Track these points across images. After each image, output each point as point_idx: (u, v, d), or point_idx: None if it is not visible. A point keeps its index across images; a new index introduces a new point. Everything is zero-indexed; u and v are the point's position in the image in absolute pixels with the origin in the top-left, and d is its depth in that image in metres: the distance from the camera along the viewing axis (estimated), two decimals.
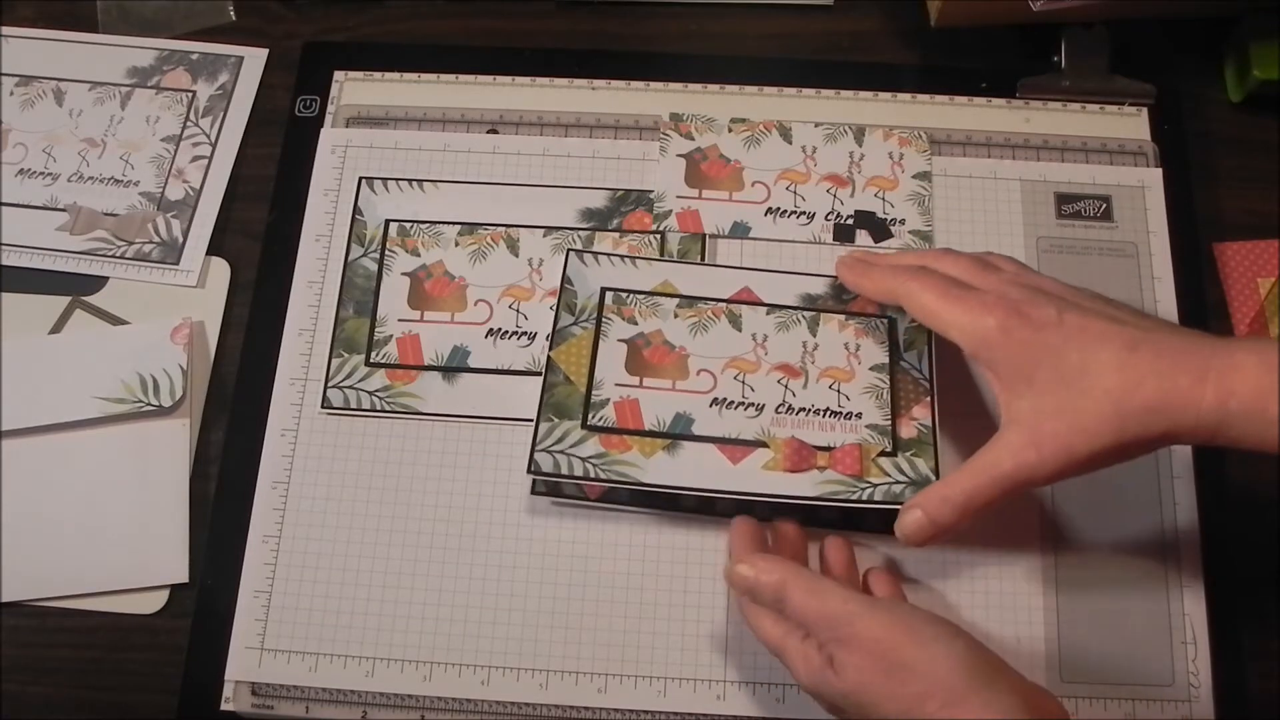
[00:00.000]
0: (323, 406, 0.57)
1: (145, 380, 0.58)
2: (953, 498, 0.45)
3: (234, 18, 0.68)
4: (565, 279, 0.57)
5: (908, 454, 0.53)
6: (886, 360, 0.55)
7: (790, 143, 0.62)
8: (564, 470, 0.53)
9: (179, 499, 0.57)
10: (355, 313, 0.59)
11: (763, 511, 0.53)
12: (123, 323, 0.60)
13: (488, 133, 0.64)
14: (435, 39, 0.67)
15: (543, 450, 0.53)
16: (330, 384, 0.58)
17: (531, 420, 0.56)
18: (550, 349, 0.55)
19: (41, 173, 0.64)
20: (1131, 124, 0.63)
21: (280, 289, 0.60)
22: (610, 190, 0.61)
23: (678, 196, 0.61)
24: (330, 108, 0.64)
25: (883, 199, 0.61)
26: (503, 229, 0.61)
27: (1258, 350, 0.41)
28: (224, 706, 0.53)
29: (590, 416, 0.54)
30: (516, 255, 0.60)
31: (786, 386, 0.55)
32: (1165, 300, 0.58)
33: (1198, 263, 0.60)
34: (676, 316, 0.56)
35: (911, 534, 0.47)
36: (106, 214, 0.63)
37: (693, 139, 0.62)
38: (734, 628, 0.53)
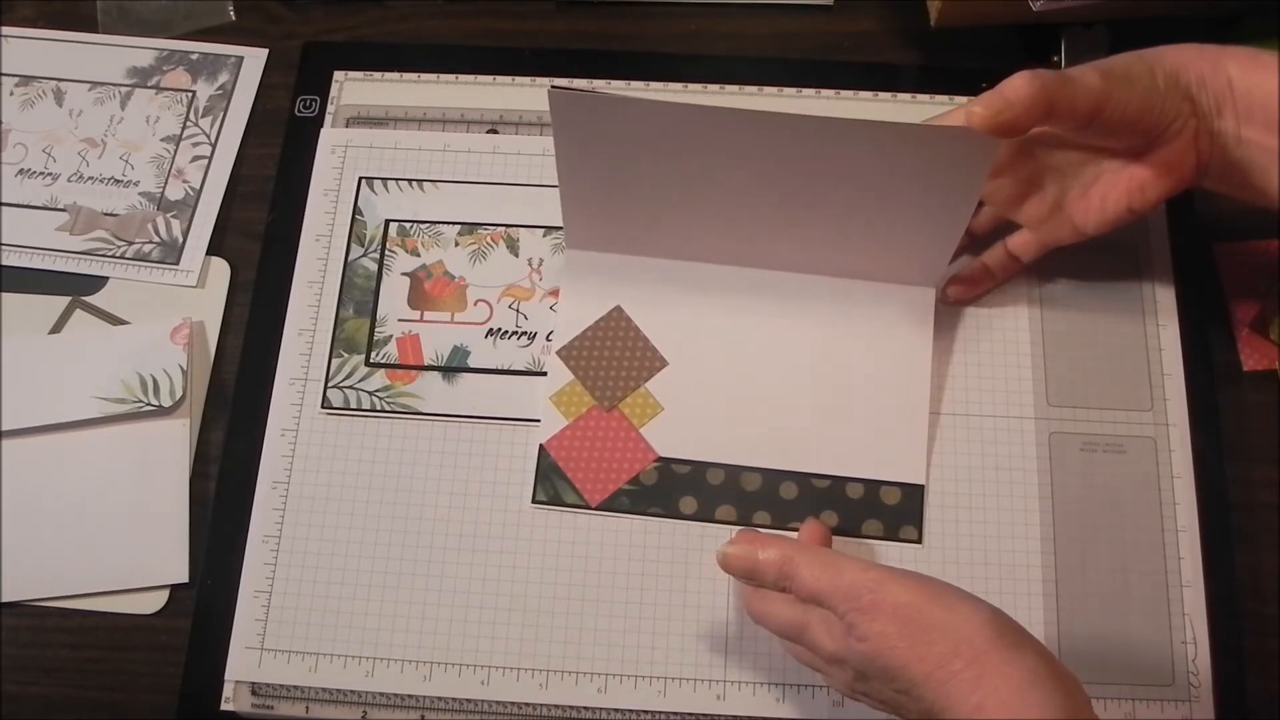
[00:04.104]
0: (323, 406, 0.57)
1: (145, 380, 0.58)
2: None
3: (234, 18, 0.68)
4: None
5: None
6: None
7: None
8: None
9: (179, 499, 0.57)
10: (355, 313, 0.59)
11: None
12: (123, 323, 0.60)
13: (488, 133, 0.64)
14: (435, 39, 0.67)
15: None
16: (330, 384, 0.58)
17: (533, 420, 0.56)
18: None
19: (41, 173, 0.64)
20: None
21: (280, 289, 0.60)
22: None
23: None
24: (330, 108, 0.64)
25: None
26: (503, 229, 0.61)
27: None
28: (224, 706, 0.53)
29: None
30: (516, 255, 0.60)
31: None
32: (1165, 300, 0.58)
33: (1198, 263, 0.60)
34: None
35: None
36: (106, 214, 0.63)
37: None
38: (734, 628, 0.53)
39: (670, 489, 0.55)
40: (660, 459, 0.56)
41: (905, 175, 0.49)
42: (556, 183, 0.54)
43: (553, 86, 0.48)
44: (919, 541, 0.54)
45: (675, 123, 0.49)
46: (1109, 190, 0.50)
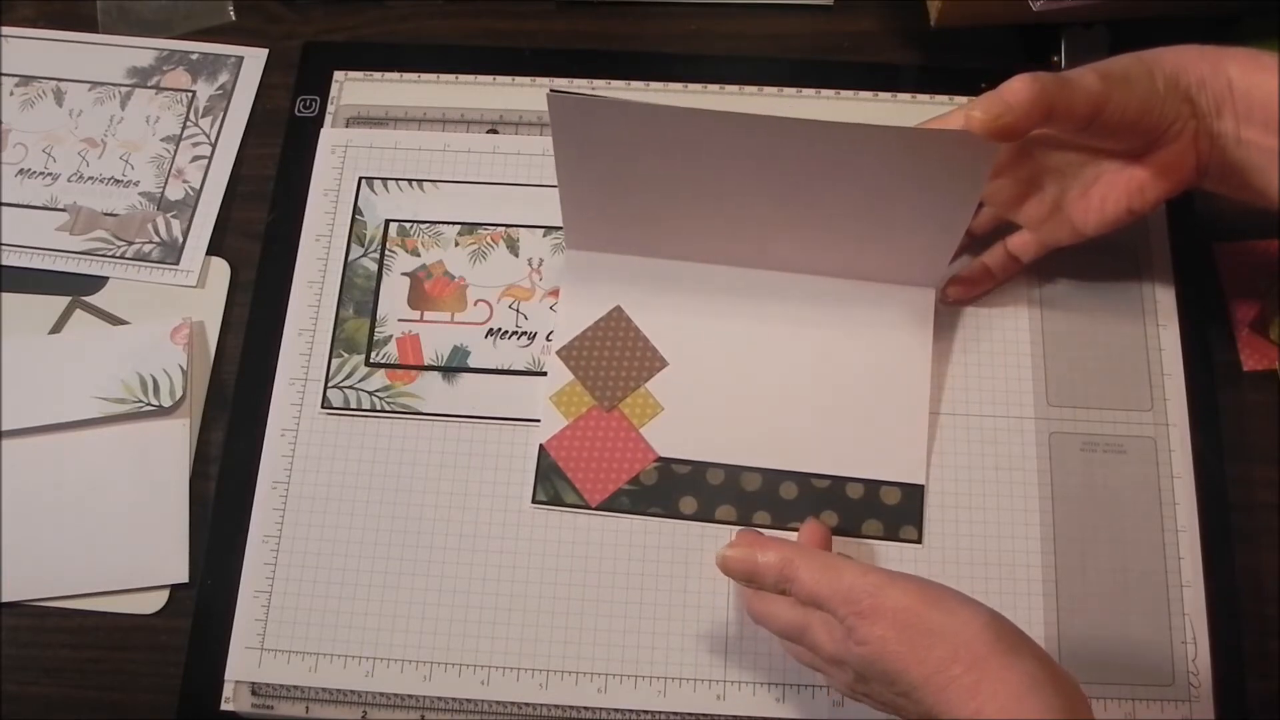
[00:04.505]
0: (323, 406, 0.57)
1: (145, 380, 0.58)
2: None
3: (234, 18, 0.68)
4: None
5: None
6: None
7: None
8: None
9: (179, 499, 0.57)
10: (355, 313, 0.59)
11: None
12: (123, 323, 0.60)
13: (488, 133, 0.64)
14: (435, 39, 0.67)
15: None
16: (330, 384, 0.58)
17: (533, 420, 0.56)
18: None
19: (41, 173, 0.64)
20: None
21: (280, 289, 0.60)
22: None
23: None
24: (330, 108, 0.64)
25: None
26: (503, 229, 0.61)
27: None
28: (224, 706, 0.53)
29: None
30: (516, 255, 0.60)
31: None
32: (1165, 300, 0.58)
33: (1198, 263, 0.60)
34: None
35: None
36: (106, 214, 0.63)
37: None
38: (734, 628, 0.53)
39: (670, 489, 0.55)
40: (660, 459, 0.56)
41: (905, 178, 0.49)
42: (556, 183, 0.54)
43: (552, 90, 0.48)
44: (919, 541, 0.54)
45: (674, 126, 0.49)
46: (1109, 191, 0.50)
